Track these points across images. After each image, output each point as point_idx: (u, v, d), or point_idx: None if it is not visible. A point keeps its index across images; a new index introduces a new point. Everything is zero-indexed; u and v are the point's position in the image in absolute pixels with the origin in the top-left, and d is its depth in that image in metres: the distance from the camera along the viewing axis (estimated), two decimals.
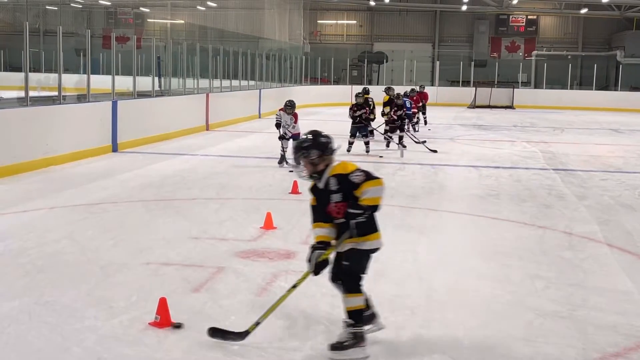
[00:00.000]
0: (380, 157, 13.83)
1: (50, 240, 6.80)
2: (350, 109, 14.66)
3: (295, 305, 5.05)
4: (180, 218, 7.97)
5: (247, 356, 4.20)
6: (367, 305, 4.47)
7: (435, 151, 14.90)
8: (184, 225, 7.57)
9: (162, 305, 4.64)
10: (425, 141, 16.20)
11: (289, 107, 12.36)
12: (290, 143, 11.36)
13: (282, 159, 12.25)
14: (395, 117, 15.44)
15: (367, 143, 14.62)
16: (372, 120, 15.40)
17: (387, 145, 15.62)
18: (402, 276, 5.89)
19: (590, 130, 22.60)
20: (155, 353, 4.22)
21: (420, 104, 21.14)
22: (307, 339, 4.46)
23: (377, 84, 36.80)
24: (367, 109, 14.74)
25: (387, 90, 18.11)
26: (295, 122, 12.34)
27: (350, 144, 14.60)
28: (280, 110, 12.54)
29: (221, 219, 7.97)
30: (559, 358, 4.31)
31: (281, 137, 12.35)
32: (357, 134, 14.49)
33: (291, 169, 10.96)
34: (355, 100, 14.72)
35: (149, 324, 4.62)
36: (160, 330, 4.55)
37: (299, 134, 11.79)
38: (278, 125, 12.42)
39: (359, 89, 19.35)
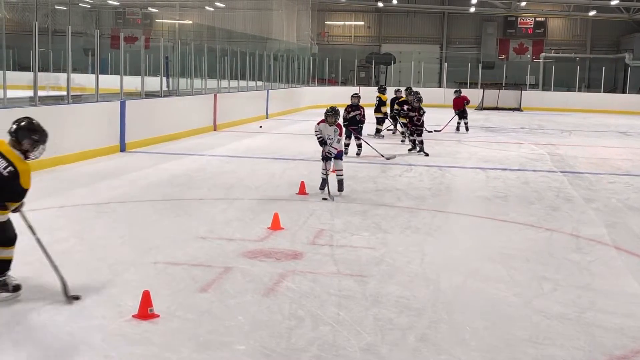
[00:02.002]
0: (388, 158, 13.75)
1: (59, 239, 6.82)
2: (345, 110, 14.09)
3: (302, 306, 5.07)
4: (188, 218, 8.00)
5: (254, 356, 4.21)
6: None
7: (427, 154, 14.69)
8: (192, 225, 7.59)
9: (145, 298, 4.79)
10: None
11: (332, 114, 9.66)
12: (333, 163, 9.72)
13: (324, 184, 9.72)
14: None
15: (359, 145, 14.17)
16: (363, 123, 14.75)
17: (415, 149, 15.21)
18: (409, 277, 5.90)
19: (598, 132, 22.54)
20: (163, 352, 4.24)
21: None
22: (314, 340, 4.47)
23: (385, 85, 36.75)
24: (362, 110, 14.34)
25: (409, 92, 18.20)
26: (340, 134, 9.84)
27: (347, 146, 14.02)
28: (320, 123, 9.83)
29: (228, 219, 7.99)
30: None
31: (325, 158, 9.71)
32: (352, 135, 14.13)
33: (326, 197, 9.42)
34: (351, 101, 14.35)
35: (133, 316, 4.75)
36: (168, 329, 4.57)
37: (342, 151, 9.99)
38: (323, 143, 9.69)
39: (366, 89, 19.41)
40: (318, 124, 9.80)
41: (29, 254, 6.24)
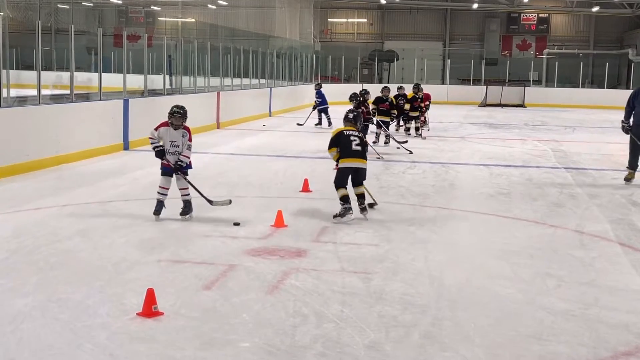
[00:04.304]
0: (378, 157, 13.50)
1: (62, 238, 6.85)
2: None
3: (306, 303, 5.07)
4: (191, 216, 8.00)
5: (258, 354, 4.22)
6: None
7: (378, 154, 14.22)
8: (195, 223, 7.59)
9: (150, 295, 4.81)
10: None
11: (181, 115, 7.68)
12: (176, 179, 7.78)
13: (161, 207, 7.74)
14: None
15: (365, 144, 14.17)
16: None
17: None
18: (412, 274, 5.89)
19: (601, 128, 22.48)
20: (168, 350, 4.24)
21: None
22: (319, 337, 4.47)
23: (388, 82, 36.76)
24: (364, 109, 14.32)
25: (416, 87, 18.20)
26: (190, 139, 7.78)
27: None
28: (160, 127, 7.76)
29: (232, 217, 7.98)
30: (570, 356, 4.30)
31: (172, 171, 7.72)
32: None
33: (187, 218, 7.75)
34: (350, 101, 14.32)
35: (137, 314, 4.76)
36: (172, 327, 4.58)
37: (190, 163, 7.86)
38: (161, 153, 7.67)
39: (369, 87, 19.35)
40: (157, 128, 7.76)
41: (35, 253, 6.27)
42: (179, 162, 7.69)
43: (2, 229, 7.18)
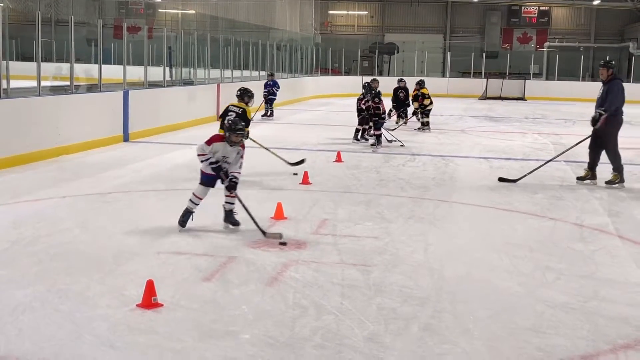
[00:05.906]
0: (373, 151, 13.50)
1: (62, 229, 6.85)
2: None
3: (306, 295, 5.08)
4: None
5: (258, 345, 4.22)
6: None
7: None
8: (195, 215, 7.58)
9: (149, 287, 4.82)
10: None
11: (242, 133, 6.92)
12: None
13: (188, 217, 7.03)
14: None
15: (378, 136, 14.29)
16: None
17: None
18: (412, 267, 5.90)
19: None
20: (167, 341, 4.25)
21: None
22: (318, 329, 4.48)
23: (388, 75, 36.75)
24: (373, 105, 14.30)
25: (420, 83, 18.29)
26: (242, 157, 7.06)
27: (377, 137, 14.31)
28: (212, 141, 6.89)
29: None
30: (569, 349, 4.31)
31: (230, 187, 6.94)
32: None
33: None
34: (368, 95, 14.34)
35: (137, 305, 4.77)
36: (172, 318, 4.59)
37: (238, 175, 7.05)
38: (219, 170, 6.88)
39: (369, 80, 19.36)
40: (209, 143, 6.89)
41: (35, 244, 6.28)
42: (234, 180, 6.91)
43: (2, 220, 7.18)
